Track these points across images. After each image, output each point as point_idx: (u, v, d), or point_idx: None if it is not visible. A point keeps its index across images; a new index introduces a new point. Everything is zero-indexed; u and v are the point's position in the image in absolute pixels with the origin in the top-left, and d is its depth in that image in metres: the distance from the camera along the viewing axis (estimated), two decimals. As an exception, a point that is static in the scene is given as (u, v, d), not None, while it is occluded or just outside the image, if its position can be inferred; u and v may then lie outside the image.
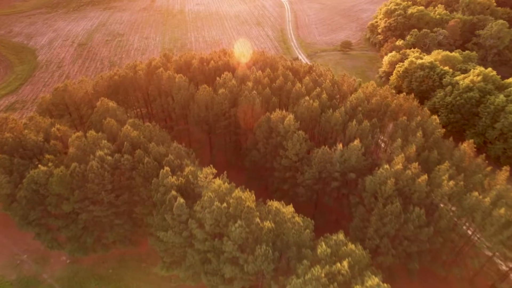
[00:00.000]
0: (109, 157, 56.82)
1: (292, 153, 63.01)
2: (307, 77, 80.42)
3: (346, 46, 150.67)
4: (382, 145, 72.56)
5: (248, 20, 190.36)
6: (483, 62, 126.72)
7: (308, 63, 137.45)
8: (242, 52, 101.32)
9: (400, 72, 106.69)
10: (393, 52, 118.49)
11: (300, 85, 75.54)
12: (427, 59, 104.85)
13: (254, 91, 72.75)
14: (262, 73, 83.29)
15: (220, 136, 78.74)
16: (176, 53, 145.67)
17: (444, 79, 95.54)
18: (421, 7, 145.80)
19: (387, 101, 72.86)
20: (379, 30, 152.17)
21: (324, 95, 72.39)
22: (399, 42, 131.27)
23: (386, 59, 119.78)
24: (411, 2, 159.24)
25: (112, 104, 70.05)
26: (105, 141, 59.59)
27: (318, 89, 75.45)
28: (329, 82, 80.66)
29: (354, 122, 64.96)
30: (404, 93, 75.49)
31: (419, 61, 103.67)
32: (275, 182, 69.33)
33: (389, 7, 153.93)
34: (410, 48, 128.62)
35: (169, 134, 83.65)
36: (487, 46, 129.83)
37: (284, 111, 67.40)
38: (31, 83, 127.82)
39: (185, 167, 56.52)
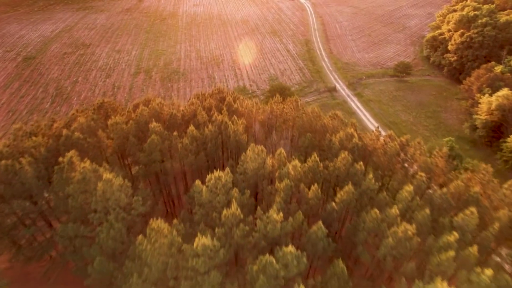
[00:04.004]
0: None
1: None
2: (409, 186, 33.60)
3: (403, 70, 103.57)
4: None
5: (260, 27, 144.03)
6: None
7: (353, 100, 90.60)
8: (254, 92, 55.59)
9: (536, 133, 59.52)
10: (505, 91, 71.05)
11: (403, 225, 28.92)
12: None
13: (291, 248, 26.39)
14: (302, 168, 36.72)
15: None
16: (155, 75, 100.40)
17: None
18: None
19: None
20: (451, 47, 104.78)
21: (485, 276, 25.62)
22: (499, 69, 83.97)
23: (490, 101, 72.43)
24: (487, 6, 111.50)
25: None
26: None
27: (452, 236, 28.70)
28: (456, 193, 34.10)
29: None
30: None
31: None
32: None
33: (466, 14, 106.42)
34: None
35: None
36: None
37: None
38: None
39: None
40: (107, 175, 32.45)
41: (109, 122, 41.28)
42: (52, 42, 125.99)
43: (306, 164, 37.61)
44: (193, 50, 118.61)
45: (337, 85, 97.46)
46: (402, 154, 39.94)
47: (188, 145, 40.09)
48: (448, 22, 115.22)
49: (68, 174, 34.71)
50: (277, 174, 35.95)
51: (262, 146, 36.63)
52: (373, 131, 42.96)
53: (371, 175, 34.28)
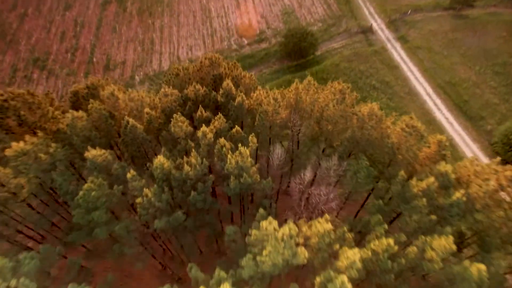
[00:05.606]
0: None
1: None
2: None
3: (464, 0, 76.20)
4: None
5: None
6: None
7: (394, 47, 66.67)
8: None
9: None
10: None
11: None
12: None
13: None
14: (361, 256, 19.69)
15: None
16: (131, 6, 75.86)
17: None
18: None
19: None
20: (537, -34, 75.23)
21: None
22: None
23: None
24: None
25: None
26: None
27: None
28: None
29: None
30: None
31: None
32: None
33: None
34: None
35: None
36: None
37: None
38: None
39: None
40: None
41: (8, 152, 22.56)
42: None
43: (367, 251, 20.37)
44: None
45: (374, 24, 72.21)
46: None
47: (152, 199, 22.11)
48: None
49: None
50: (318, 280, 19.04)
51: (292, 225, 18.91)
52: (484, 165, 24.11)
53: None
